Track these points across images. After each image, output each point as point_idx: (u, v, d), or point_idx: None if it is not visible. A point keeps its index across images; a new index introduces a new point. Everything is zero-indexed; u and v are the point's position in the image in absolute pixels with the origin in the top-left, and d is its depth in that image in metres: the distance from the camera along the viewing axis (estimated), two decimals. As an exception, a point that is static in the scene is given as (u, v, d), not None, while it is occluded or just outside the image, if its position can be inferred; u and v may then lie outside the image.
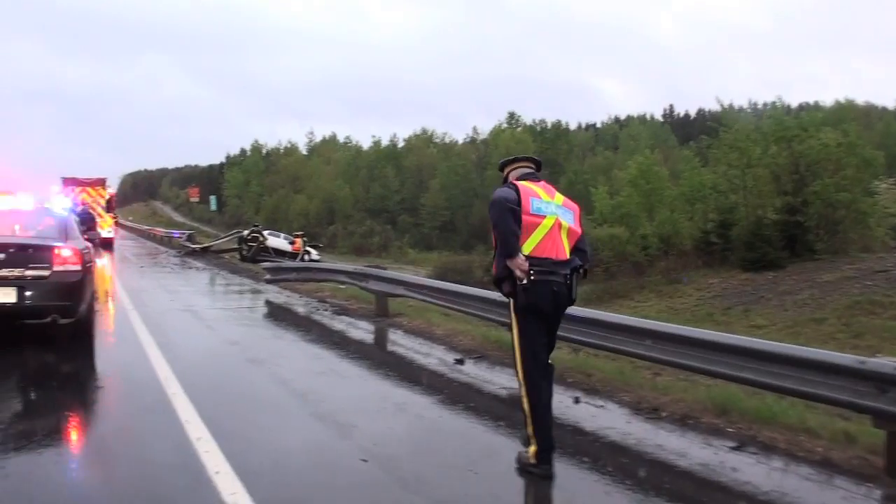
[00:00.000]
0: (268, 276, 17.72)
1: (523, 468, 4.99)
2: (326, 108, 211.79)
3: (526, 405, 4.97)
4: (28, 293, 8.11)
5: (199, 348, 9.53)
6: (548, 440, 4.94)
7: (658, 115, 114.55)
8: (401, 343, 10.31)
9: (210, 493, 4.28)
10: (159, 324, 10.77)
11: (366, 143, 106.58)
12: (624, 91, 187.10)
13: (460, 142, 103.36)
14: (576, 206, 5.32)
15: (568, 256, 5.06)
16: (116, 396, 6.86)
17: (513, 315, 5.05)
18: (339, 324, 11.92)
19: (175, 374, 7.35)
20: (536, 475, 4.89)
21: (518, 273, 4.87)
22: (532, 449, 4.94)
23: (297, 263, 23.64)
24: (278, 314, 13.26)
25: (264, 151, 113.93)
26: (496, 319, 8.94)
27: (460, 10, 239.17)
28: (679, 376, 8.11)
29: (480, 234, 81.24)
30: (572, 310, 7.22)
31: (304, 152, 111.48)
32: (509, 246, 4.85)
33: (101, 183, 35.40)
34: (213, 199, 78.95)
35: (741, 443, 5.70)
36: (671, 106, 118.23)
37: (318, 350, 9.62)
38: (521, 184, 5.09)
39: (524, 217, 4.90)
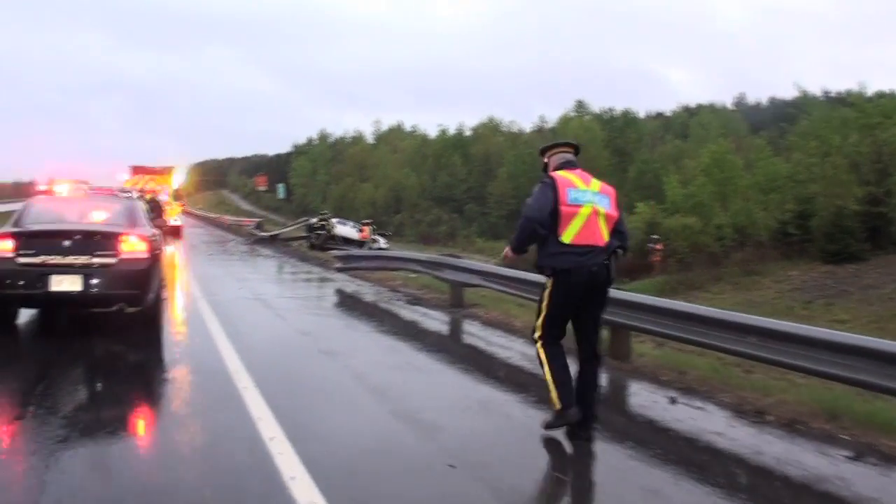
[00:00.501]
0: (338, 265, 17.37)
1: (549, 425, 5.29)
2: (390, 97, 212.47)
3: (548, 373, 5.32)
4: (94, 281, 7.91)
5: (269, 339, 9.19)
6: (568, 390, 5.26)
7: (728, 104, 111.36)
8: (478, 335, 9.82)
9: (285, 502, 3.90)
10: (228, 313, 10.47)
11: (432, 132, 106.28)
12: (690, 79, 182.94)
13: (527, 130, 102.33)
14: (612, 190, 5.49)
15: (606, 240, 5.30)
16: (185, 390, 6.48)
17: (548, 288, 5.36)
18: (413, 314, 11.51)
19: (245, 366, 6.99)
20: (559, 426, 5.26)
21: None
22: (556, 402, 5.24)
23: (367, 252, 23.30)
24: (350, 303, 12.93)
25: (331, 140, 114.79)
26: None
27: None
28: (774, 375, 7.49)
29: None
30: (665, 303, 7.80)
31: (371, 141, 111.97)
32: (519, 244, 5.43)
33: (169, 171, 35.67)
34: (280, 187, 79.33)
35: (858, 452, 5.15)
36: (742, 94, 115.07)
37: (392, 342, 9.22)
38: (559, 175, 5.33)
39: (562, 208, 5.17)
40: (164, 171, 35.12)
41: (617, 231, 5.43)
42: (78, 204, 9.50)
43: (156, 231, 9.50)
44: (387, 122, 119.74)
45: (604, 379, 6.40)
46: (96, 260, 7.94)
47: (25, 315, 9.05)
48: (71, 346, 7.91)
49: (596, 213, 5.26)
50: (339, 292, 14.28)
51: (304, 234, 34.00)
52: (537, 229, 5.21)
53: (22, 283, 7.83)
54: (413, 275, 14.79)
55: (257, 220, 45.13)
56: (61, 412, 5.42)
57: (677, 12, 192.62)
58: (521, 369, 7.64)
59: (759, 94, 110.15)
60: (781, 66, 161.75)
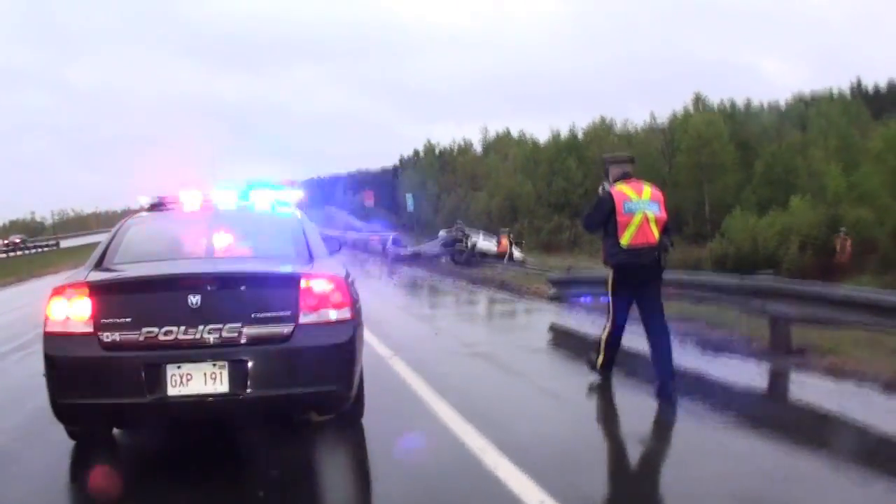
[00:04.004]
0: (553, 291, 13.52)
1: (591, 365, 7.31)
2: (482, 106, 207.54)
3: (605, 337, 7.17)
4: (253, 373, 4.51)
5: (565, 445, 5.58)
6: (611, 360, 7.18)
7: (845, 90, 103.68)
8: (828, 404, 6.30)
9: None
10: (452, 384, 7.14)
11: (539, 137, 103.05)
12: (784, 69, 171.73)
13: (639, 128, 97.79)
14: (661, 196, 7.08)
15: (657, 239, 6.87)
16: None
17: (610, 290, 7.11)
18: (714, 363, 8.07)
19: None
20: (598, 374, 7.21)
21: None
22: (600, 360, 7.19)
23: (594, 273, 19.27)
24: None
25: (438, 151, 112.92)
26: None
27: None
28: None
29: (674, 225, 74.37)
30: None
31: (479, 150, 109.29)
32: (589, 225, 7.25)
33: (291, 186, 33.04)
34: (409, 197, 76.39)
35: None
36: (858, 79, 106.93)
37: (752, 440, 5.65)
38: (616, 190, 6.92)
39: (619, 218, 6.77)
40: (286, 185, 32.43)
41: (666, 230, 7.07)
42: (206, 224, 5.95)
43: (343, 264, 5.95)
44: (488, 130, 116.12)
45: None
46: (254, 331, 4.58)
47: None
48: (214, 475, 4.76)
49: (647, 218, 6.80)
50: (567, 334, 10.74)
51: (446, 250, 30.72)
52: (599, 218, 7.02)
53: (111, 384, 4.44)
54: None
55: (392, 234, 41.63)
56: None
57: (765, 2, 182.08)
58: None
59: (873, 78, 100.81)
60: (883, 50, 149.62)
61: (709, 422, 5.78)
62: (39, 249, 68.14)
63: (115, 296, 4.66)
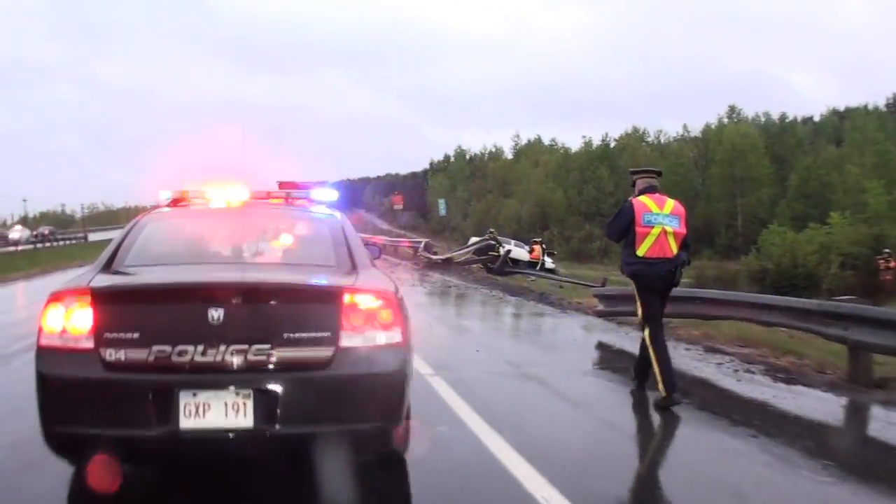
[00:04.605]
0: (600, 307, 12.67)
1: (659, 406, 6.52)
2: (513, 114, 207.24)
3: (654, 358, 6.69)
4: (283, 405, 3.71)
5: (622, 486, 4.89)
6: (671, 377, 6.58)
7: (880, 105, 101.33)
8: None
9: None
10: (504, 415, 6.32)
11: (570, 145, 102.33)
12: (819, 82, 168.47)
13: (672, 137, 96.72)
14: (682, 211, 6.97)
15: (675, 253, 6.81)
16: None
17: (636, 293, 7.05)
18: (787, 394, 7.15)
19: None
20: (670, 404, 6.45)
21: None
22: (661, 388, 6.54)
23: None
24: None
25: (468, 157, 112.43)
26: None
27: (623, 6, 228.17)
28: None
29: (704, 238, 74.50)
30: None
31: (510, 156, 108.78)
32: (611, 233, 7.22)
33: (324, 188, 32.30)
34: (441, 202, 75.48)
35: None
36: (894, 95, 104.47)
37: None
38: (637, 201, 6.89)
39: (637, 229, 6.75)
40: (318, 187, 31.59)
41: (685, 244, 6.95)
42: (234, 223, 5.27)
43: (388, 275, 5.05)
44: (520, 136, 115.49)
45: None
46: (288, 354, 3.78)
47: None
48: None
49: (665, 232, 6.76)
50: (621, 354, 9.72)
51: (480, 258, 29.90)
52: (621, 226, 6.93)
53: (113, 412, 3.67)
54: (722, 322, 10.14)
55: (423, 241, 40.57)
56: None
57: (790, 16, 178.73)
58: None
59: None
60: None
61: (803, 471, 4.98)
62: (68, 242, 67.95)
63: (122, 306, 3.89)
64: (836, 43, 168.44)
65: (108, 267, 4.40)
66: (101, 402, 3.66)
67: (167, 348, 3.67)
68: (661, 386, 6.50)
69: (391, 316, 4.01)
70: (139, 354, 3.68)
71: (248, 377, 3.72)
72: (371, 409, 3.88)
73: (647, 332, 6.84)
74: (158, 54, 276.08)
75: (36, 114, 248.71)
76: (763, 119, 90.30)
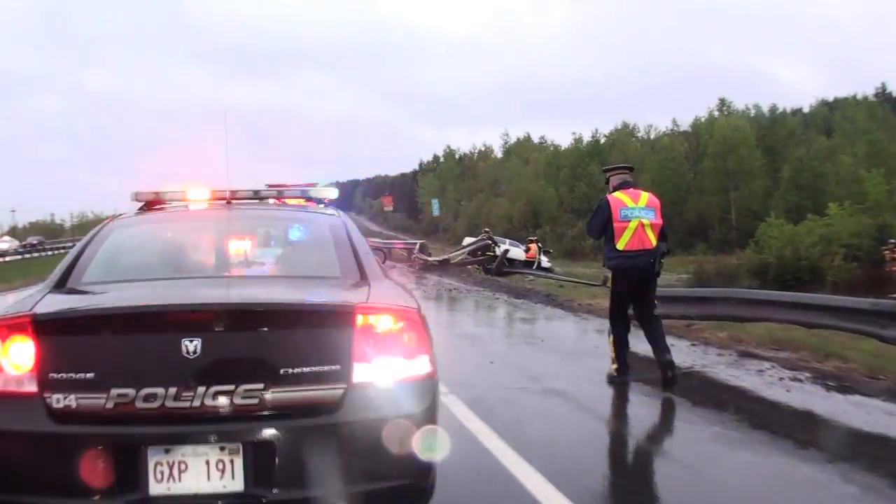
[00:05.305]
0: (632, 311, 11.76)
1: (610, 380, 7.35)
2: (500, 112, 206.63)
3: (612, 344, 7.39)
4: (282, 463, 2.86)
5: None
6: (623, 361, 7.33)
7: (869, 95, 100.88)
8: None
9: None
10: (531, 438, 5.58)
11: (559, 142, 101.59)
12: (806, 73, 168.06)
13: (662, 132, 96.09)
14: (657, 202, 7.23)
15: (654, 244, 7.08)
16: None
17: (610, 279, 7.48)
18: (847, 410, 6.30)
19: None
20: (618, 382, 7.24)
21: None
22: (614, 367, 7.36)
23: (690, 291, 17.51)
24: (706, 390, 7.29)
25: (458, 156, 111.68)
26: None
27: (605, 1, 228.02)
28: None
29: (698, 232, 73.83)
30: None
31: (499, 155, 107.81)
32: (591, 230, 7.66)
33: (316, 190, 31.52)
34: (435, 202, 74.57)
35: None
36: (883, 84, 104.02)
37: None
38: (613, 197, 7.21)
39: (615, 224, 7.04)
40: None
41: (663, 234, 7.25)
42: (217, 228, 4.32)
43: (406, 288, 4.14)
44: (509, 135, 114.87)
45: None
46: (286, 395, 2.92)
47: None
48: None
49: (642, 225, 7.03)
50: (648, 362, 8.87)
51: (477, 258, 29.11)
52: (600, 221, 7.25)
53: (62, 477, 2.80)
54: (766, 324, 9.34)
55: (418, 242, 39.49)
56: None
57: (776, 4, 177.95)
58: None
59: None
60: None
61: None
62: (57, 251, 67.00)
63: (73, 337, 3.00)
64: (821, 33, 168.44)
65: (61, 285, 3.56)
66: (46, 463, 2.78)
67: (130, 392, 2.79)
68: (614, 366, 7.36)
69: (416, 340, 3.16)
70: (95, 400, 2.80)
71: (236, 427, 2.86)
72: (396, 462, 3.00)
73: (610, 324, 7.45)
74: (144, 61, 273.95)
75: (22, 123, 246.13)
76: (753, 111, 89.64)
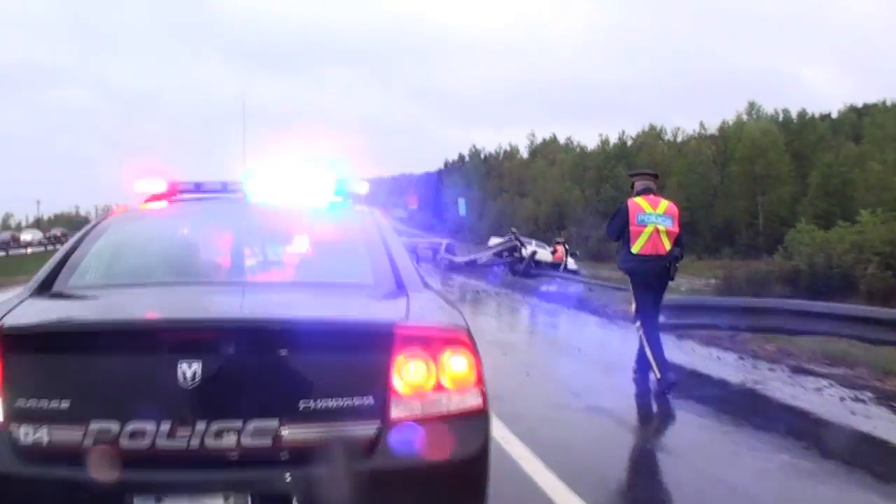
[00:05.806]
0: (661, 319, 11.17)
1: (660, 390, 7.01)
2: (525, 113, 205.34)
3: (648, 348, 7.19)
4: None
5: None
6: (665, 365, 7.12)
7: (887, 101, 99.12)
8: None
9: None
10: (579, 466, 5.03)
11: (585, 144, 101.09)
12: (834, 78, 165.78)
13: (689, 135, 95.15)
14: (675, 211, 7.37)
15: (667, 250, 7.19)
16: None
17: (631, 289, 7.51)
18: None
19: None
20: (665, 387, 6.95)
21: None
22: (656, 372, 7.07)
23: (739, 301, 16.58)
24: (764, 411, 6.74)
25: (482, 156, 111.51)
26: None
27: (633, 3, 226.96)
28: None
29: (725, 237, 72.93)
30: None
31: (525, 155, 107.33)
32: (609, 233, 7.74)
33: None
34: (461, 202, 73.36)
35: None
36: None
37: None
38: (633, 201, 7.30)
39: (632, 228, 7.17)
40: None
41: (678, 242, 7.36)
42: (230, 226, 3.70)
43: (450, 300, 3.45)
44: (535, 135, 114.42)
45: None
46: (307, 434, 2.33)
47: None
48: None
49: (658, 231, 7.17)
50: (696, 377, 8.31)
51: (502, 259, 28.58)
52: (619, 224, 7.32)
53: None
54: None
55: (444, 241, 38.46)
56: None
57: (804, 8, 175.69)
58: None
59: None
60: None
61: None
62: (79, 244, 67.49)
63: (45, 356, 2.41)
64: (849, 38, 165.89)
65: (45, 288, 3.02)
66: None
67: (114, 426, 2.25)
68: (655, 371, 7.08)
69: (465, 367, 2.54)
70: (71, 435, 2.26)
71: (244, 474, 2.32)
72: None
73: (639, 324, 7.38)
74: (168, 56, 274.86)
75: (48, 116, 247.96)
76: (782, 116, 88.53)
